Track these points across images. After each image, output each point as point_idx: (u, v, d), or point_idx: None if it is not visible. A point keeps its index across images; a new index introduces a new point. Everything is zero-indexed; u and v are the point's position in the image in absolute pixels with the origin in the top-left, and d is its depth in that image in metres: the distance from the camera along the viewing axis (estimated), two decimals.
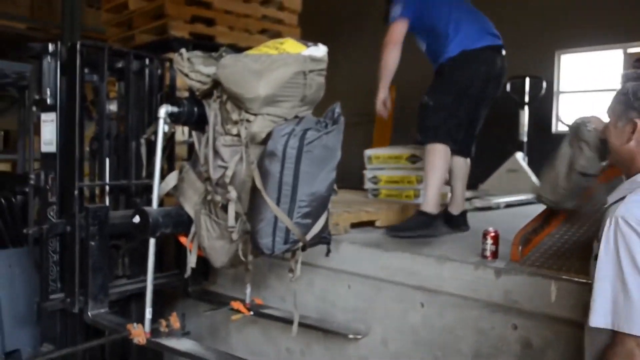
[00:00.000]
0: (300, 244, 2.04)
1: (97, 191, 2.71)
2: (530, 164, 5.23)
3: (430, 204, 2.64)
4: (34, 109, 2.50)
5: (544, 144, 6.10)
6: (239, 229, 2.11)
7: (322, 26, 8.59)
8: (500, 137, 5.14)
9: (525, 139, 5.56)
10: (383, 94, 2.88)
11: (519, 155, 5.20)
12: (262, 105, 1.97)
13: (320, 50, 2.10)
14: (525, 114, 5.63)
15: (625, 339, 1.34)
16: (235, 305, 2.69)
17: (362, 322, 2.46)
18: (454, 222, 2.92)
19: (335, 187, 2.12)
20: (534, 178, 4.95)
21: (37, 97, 2.44)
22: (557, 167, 2.20)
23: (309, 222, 2.01)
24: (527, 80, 5.68)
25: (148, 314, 2.27)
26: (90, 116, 2.94)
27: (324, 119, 2.05)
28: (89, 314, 2.42)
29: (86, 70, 2.57)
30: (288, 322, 2.48)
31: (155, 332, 2.29)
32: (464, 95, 2.69)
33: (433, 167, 2.64)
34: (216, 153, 2.09)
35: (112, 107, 2.82)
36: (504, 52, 2.80)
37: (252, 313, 2.67)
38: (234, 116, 2.03)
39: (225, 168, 2.06)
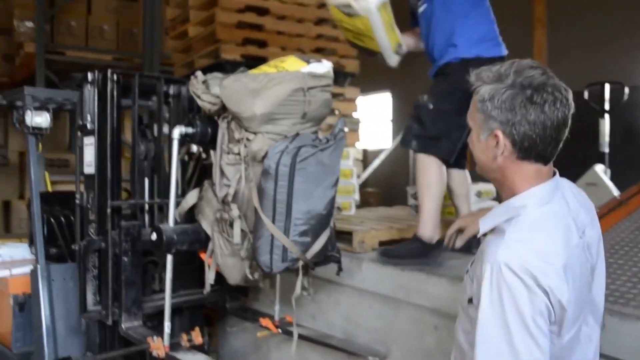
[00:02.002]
0: (301, 262, 2.03)
1: (139, 210, 2.87)
2: (613, 177, 4.81)
3: (426, 228, 2.39)
4: (79, 133, 2.70)
5: (631, 155, 5.61)
6: (247, 246, 2.13)
7: None
8: (579, 149, 4.77)
9: (606, 149, 5.12)
10: None
11: (599, 168, 4.79)
12: (261, 123, 2.00)
13: (323, 67, 2.10)
14: (605, 123, 5.19)
15: None
16: (264, 322, 2.71)
17: (383, 344, 2.38)
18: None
19: (338, 204, 2.09)
20: (615, 192, 4.54)
21: (80, 122, 2.64)
22: None
23: (307, 240, 1.99)
24: (607, 86, 5.25)
25: (167, 328, 2.35)
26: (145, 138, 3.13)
27: (327, 136, 2.04)
28: (122, 326, 2.55)
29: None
30: (314, 341, 2.47)
31: (175, 346, 2.37)
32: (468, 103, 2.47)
33: (429, 185, 2.38)
34: (222, 172, 2.14)
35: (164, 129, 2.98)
36: None
37: (280, 331, 2.68)
38: (236, 135, 2.07)
39: (229, 186, 2.11)
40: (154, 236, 2.29)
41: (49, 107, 2.93)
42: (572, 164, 4.74)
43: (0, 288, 3.18)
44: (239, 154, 2.06)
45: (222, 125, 2.16)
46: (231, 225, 2.15)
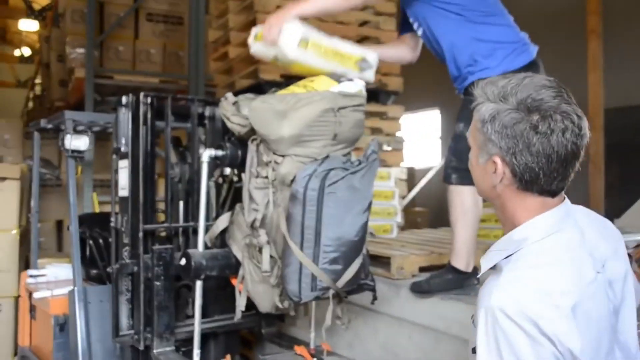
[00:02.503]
0: (332, 291, 1.92)
1: (173, 233, 2.83)
2: None
3: (461, 257, 2.23)
4: (114, 156, 2.70)
5: None
6: (277, 273, 2.05)
7: None
8: None
9: None
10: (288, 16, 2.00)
11: None
12: (289, 145, 1.92)
13: (354, 86, 2.01)
14: None
15: None
16: (299, 350, 2.61)
17: None
18: None
19: (372, 230, 1.98)
20: None
21: (115, 145, 2.64)
22: None
23: (337, 268, 1.89)
24: None
25: (196, 356, 2.28)
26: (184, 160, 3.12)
27: (359, 158, 1.94)
28: (154, 351, 2.51)
29: (172, 119, 2.74)
30: None
31: None
32: None
33: (464, 212, 2.19)
34: (250, 196, 2.07)
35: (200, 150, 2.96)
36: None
37: None
38: (265, 158, 2.00)
39: (257, 211, 2.03)
40: (183, 261, 2.25)
41: (88, 131, 2.96)
42: (635, 183, 4.49)
43: (43, 308, 3.21)
44: (267, 177, 1.99)
45: (252, 148, 2.10)
46: (260, 251, 2.08)
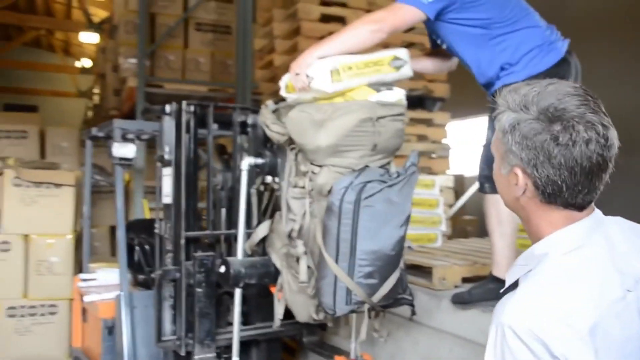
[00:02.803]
0: (367, 305, 1.89)
1: (215, 240, 2.86)
2: None
3: (502, 267, 2.15)
4: (158, 164, 2.76)
5: None
6: (314, 284, 2.03)
7: None
8: None
9: None
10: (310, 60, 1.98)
11: None
12: (326, 156, 1.90)
13: (394, 94, 1.97)
14: None
15: None
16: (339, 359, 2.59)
17: None
18: None
19: (410, 244, 1.94)
20: None
21: (159, 153, 2.70)
22: None
23: (373, 282, 1.86)
24: None
25: None
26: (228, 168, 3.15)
27: (398, 170, 1.91)
28: (195, 357, 2.53)
29: (216, 126, 2.78)
30: None
31: None
32: None
33: (500, 222, 2.13)
34: (288, 205, 2.07)
35: None
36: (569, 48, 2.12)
37: None
38: (302, 167, 1.99)
39: (295, 221, 2.02)
40: (222, 269, 2.26)
41: (135, 139, 3.03)
42: None
43: (93, 311, 3.30)
44: (304, 187, 1.97)
45: (290, 157, 2.10)
46: (298, 261, 2.07)
